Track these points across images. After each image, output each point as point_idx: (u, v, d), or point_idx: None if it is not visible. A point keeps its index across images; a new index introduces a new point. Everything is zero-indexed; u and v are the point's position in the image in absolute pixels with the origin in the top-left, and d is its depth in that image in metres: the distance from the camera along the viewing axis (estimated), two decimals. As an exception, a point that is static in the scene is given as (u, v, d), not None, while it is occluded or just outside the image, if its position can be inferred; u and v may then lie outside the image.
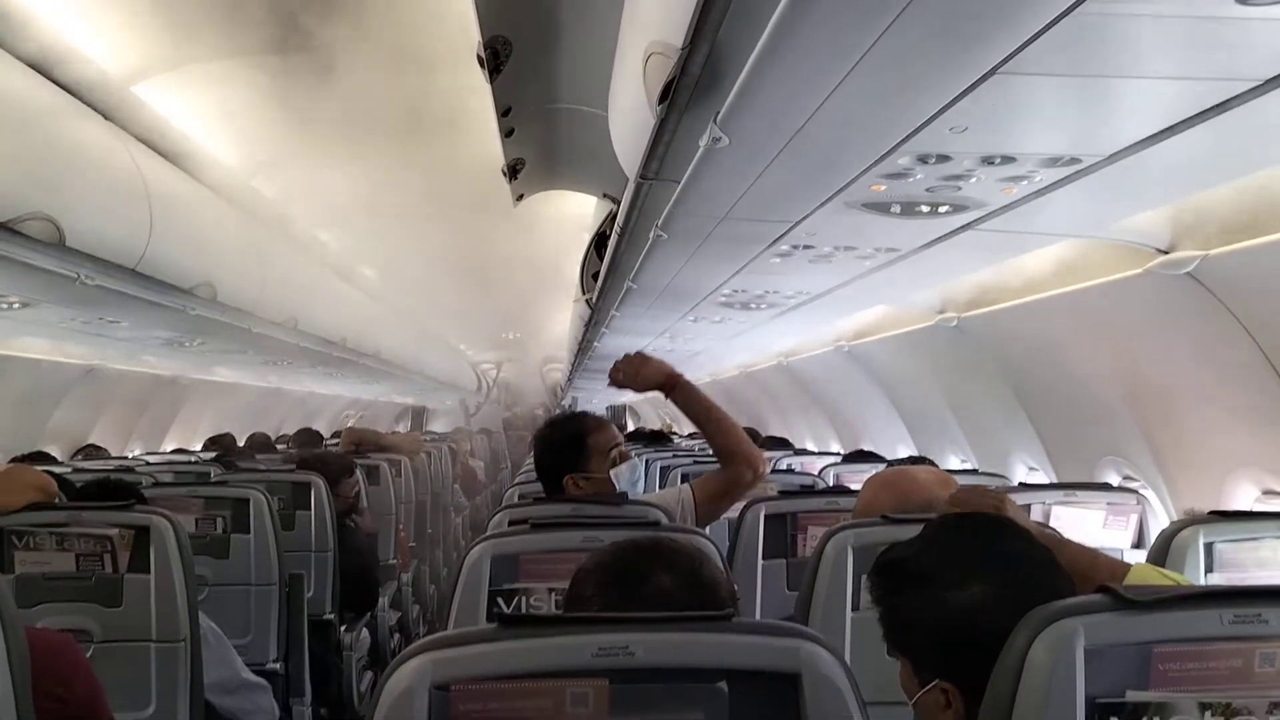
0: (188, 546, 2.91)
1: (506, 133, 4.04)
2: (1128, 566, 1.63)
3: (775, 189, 2.17)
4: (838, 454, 5.77)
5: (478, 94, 4.70)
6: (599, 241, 5.41)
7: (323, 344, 7.08)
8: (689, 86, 1.73)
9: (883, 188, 2.13)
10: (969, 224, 2.48)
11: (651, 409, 18.90)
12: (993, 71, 1.44)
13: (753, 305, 4.27)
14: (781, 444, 6.45)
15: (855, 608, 2.18)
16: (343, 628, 4.71)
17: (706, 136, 1.82)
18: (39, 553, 2.86)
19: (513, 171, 4.69)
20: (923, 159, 1.91)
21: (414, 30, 3.99)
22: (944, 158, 1.90)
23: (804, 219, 2.46)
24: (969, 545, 1.47)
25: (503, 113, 3.78)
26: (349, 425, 14.83)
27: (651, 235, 2.87)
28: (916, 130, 1.72)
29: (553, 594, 2.25)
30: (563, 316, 13.21)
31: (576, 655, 1.21)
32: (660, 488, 4.56)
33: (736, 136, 1.82)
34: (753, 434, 6.89)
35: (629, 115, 2.21)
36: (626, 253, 3.53)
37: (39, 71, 3.31)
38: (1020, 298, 3.60)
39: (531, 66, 3.44)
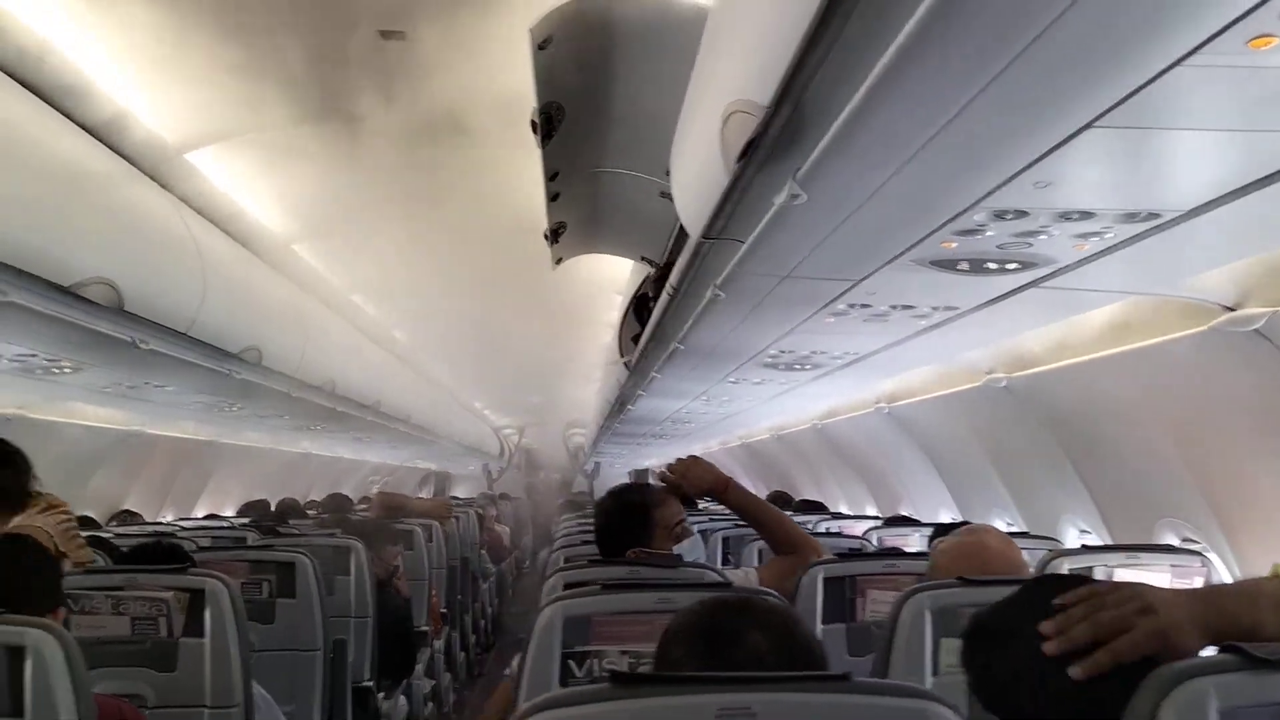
0: (242, 610, 2.89)
1: (552, 196, 4.08)
2: None
3: (845, 247, 2.18)
4: (875, 517, 5.72)
5: (516, 162, 4.78)
6: (638, 304, 5.43)
7: (358, 408, 7.10)
8: (769, 145, 1.74)
9: (954, 244, 2.13)
10: (1033, 282, 2.47)
11: (676, 474, 18.78)
12: (1088, 126, 1.45)
13: (797, 366, 4.25)
14: (817, 508, 6.40)
15: (935, 671, 2.13)
16: (380, 694, 4.65)
17: (784, 194, 1.83)
18: (94, 616, 2.84)
19: (554, 235, 4.73)
20: (1000, 215, 1.91)
21: (454, 100, 4.06)
22: (1021, 213, 1.90)
23: (867, 277, 2.46)
24: (1049, 596, 1.45)
25: (550, 177, 3.82)
26: (375, 490, 14.81)
27: (709, 294, 2.88)
28: (1001, 185, 1.72)
29: (625, 656, 2.22)
30: (587, 382, 13.23)
31: (697, 716, 1.18)
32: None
33: (815, 194, 1.82)
34: (784, 498, 6.87)
35: (697, 174, 2.22)
36: (676, 314, 3.53)
37: (98, 138, 3.38)
38: (1073, 357, 3.58)
39: (582, 131, 3.48)
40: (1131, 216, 1.92)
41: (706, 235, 2.44)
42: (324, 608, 3.75)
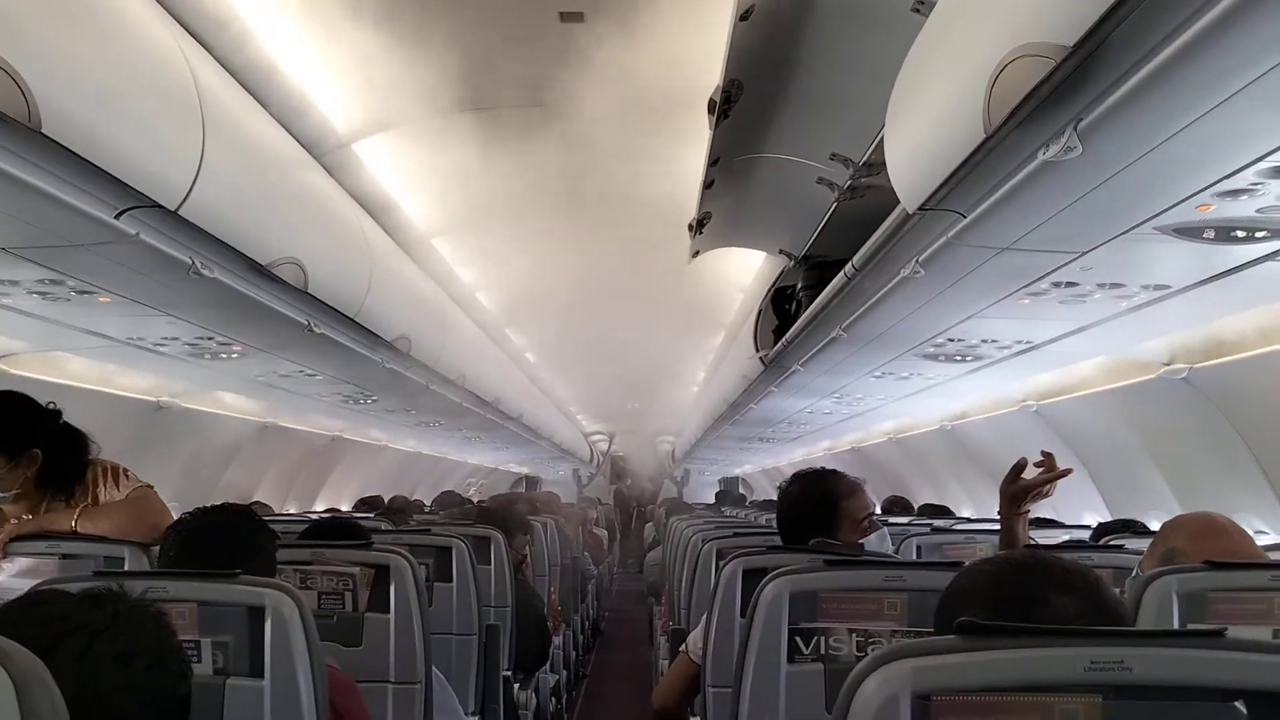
0: (424, 588, 2.90)
1: (708, 183, 4.03)
2: None
3: (1091, 211, 2.08)
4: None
5: (667, 155, 4.78)
6: (776, 296, 5.37)
7: (480, 404, 7.15)
8: (1046, 93, 1.67)
9: (1211, 208, 2.02)
10: (1272, 254, 2.35)
11: (767, 480, 18.66)
12: None
13: (958, 358, 4.14)
14: (943, 512, 6.25)
15: (1184, 653, 2.03)
16: (515, 685, 4.65)
17: (1059, 147, 1.75)
18: (285, 590, 2.86)
19: (699, 226, 4.68)
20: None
21: (618, 91, 4.03)
22: (1308, 168, 1.79)
23: (1096, 248, 2.36)
24: None
25: (712, 161, 3.78)
26: (472, 491, 14.98)
27: (905, 272, 2.80)
28: (1307, 132, 1.62)
29: (854, 635, 2.15)
30: (685, 386, 13.19)
31: (1068, 669, 1.12)
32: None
33: (1091, 147, 1.75)
34: (904, 504, 6.71)
35: (929, 138, 2.15)
36: (850, 297, 3.46)
37: (281, 123, 3.44)
38: (1264, 345, 3.42)
39: (754, 112, 3.43)
40: None
41: (924, 206, 2.36)
42: (479, 594, 3.77)
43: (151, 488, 2.86)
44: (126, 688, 1.19)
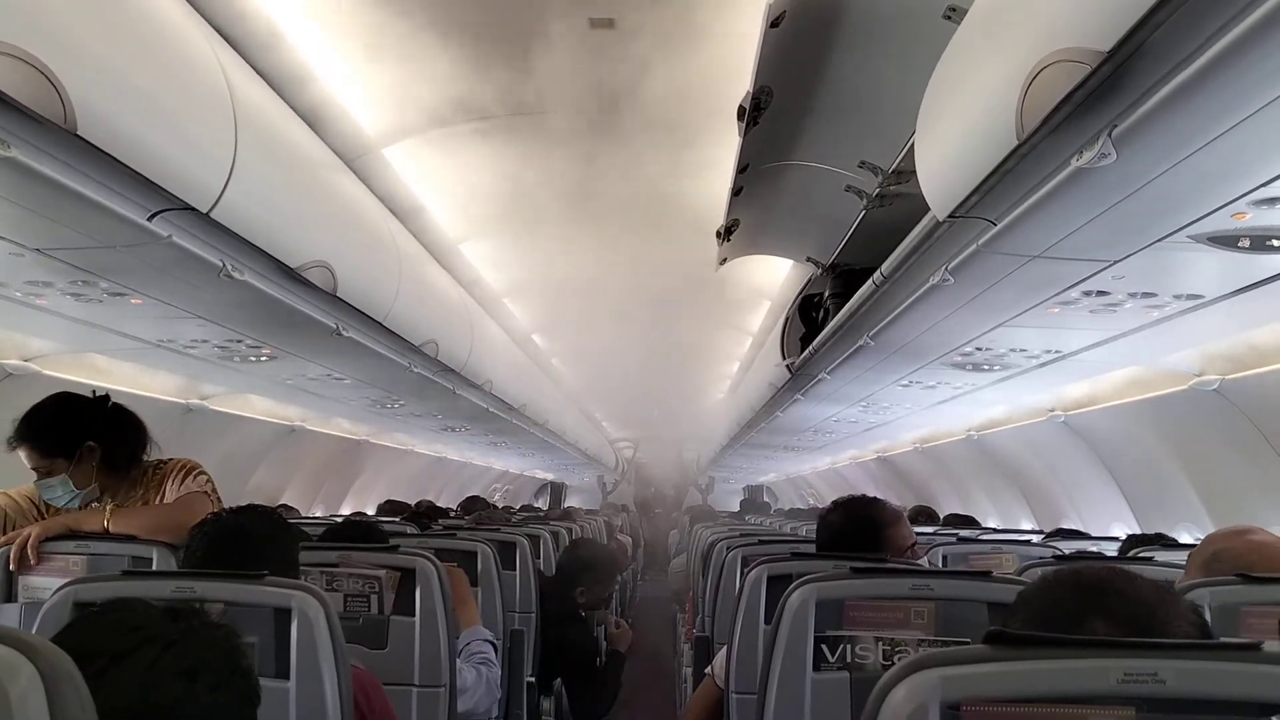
0: (449, 592, 2.90)
1: (736, 190, 4.02)
2: None
3: (1126, 218, 2.06)
4: (1036, 531, 5.50)
5: (693, 162, 4.77)
6: (803, 304, 5.35)
7: (507, 409, 7.16)
8: (1081, 99, 1.65)
9: (1247, 216, 2.00)
10: (1308, 263, 2.32)
11: (792, 488, 18.60)
12: None
13: (985, 367, 4.10)
14: (968, 522, 6.20)
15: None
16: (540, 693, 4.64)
17: (1093, 153, 1.74)
18: (308, 592, 2.86)
19: (727, 233, 4.67)
20: (1321, 178, 1.78)
21: (645, 97, 4.04)
22: (1347, 175, 1.77)
23: (1129, 256, 2.34)
24: None
25: (740, 169, 3.77)
26: (497, 497, 15.01)
27: (934, 280, 2.78)
28: (1344, 141, 1.60)
29: (880, 643, 2.14)
30: (710, 393, 13.17)
31: (1100, 680, 1.10)
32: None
33: (1125, 154, 1.73)
34: (930, 514, 6.66)
35: (961, 145, 2.13)
36: (878, 305, 3.44)
37: (311, 128, 3.46)
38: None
39: (783, 119, 3.42)
40: None
41: (954, 214, 2.34)
42: (504, 598, 3.78)
43: (207, 494, 2.83)
44: (189, 704, 1.19)
